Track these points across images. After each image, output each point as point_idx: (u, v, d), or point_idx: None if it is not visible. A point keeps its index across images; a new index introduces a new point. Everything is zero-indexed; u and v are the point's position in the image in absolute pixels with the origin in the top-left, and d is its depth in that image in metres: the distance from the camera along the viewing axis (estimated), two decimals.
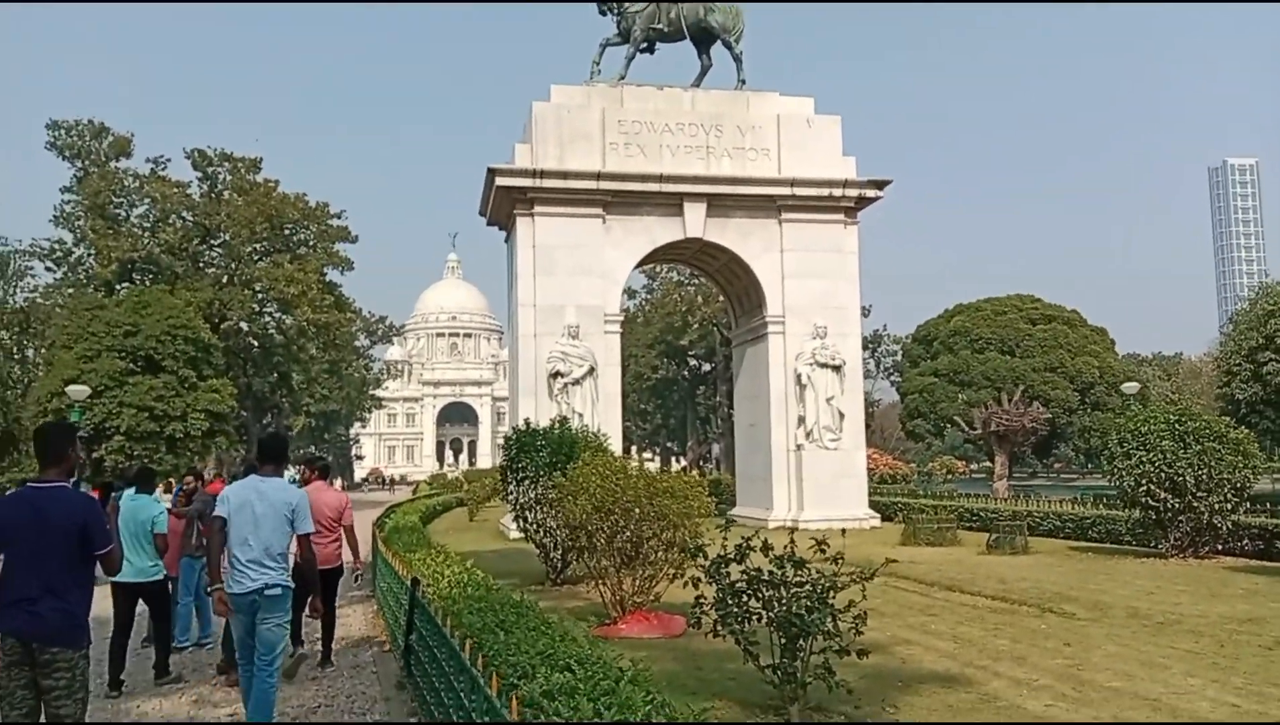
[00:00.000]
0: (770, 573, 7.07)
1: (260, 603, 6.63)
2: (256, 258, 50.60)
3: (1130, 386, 40.89)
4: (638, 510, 10.80)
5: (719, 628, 7.35)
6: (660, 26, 28.15)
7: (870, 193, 27.82)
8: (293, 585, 6.92)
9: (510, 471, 15.37)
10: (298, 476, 12.90)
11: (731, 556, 7.40)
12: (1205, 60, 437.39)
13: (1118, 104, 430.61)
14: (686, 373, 68.99)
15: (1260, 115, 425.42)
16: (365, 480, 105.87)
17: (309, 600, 7.57)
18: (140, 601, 9.37)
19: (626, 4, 27.94)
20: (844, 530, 9.26)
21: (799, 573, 7.05)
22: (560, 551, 14.26)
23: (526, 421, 16.72)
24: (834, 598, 6.98)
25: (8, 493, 5.36)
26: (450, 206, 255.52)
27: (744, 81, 28.47)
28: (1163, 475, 17.12)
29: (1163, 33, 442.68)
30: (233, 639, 7.25)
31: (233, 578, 6.67)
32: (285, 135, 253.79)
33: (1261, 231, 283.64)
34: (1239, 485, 17.36)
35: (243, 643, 6.81)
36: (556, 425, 15.84)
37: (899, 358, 70.59)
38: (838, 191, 27.37)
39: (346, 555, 9.98)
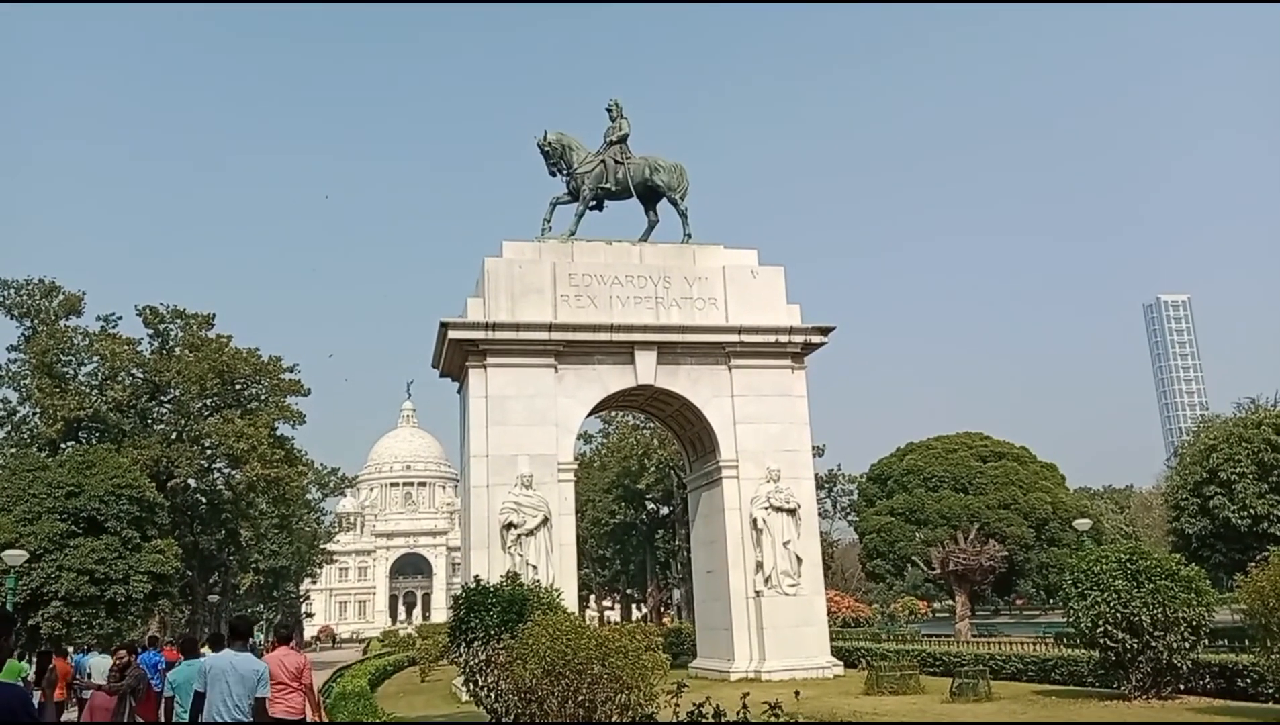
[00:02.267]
0: None
1: None
2: (206, 413, 50.01)
3: (1082, 522, 41.19)
4: (591, 672, 10.55)
5: None
6: (609, 186, 29.13)
7: (816, 338, 28.45)
8: None
9: (460, 631, 15.00)
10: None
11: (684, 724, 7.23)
12: (1137, 200, 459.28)
13: (1054, 241, 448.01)
14: (645, 516, 68.32)
15: (1190, 253, 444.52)
16: (316, 638, 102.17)
17: None
18: None
19: (576, 166, 28.94)
20: (798, 692, 9.10)
21: None
22: (512, 717, 13.77)
23: (477, 578, 16.42)
24: None
25: None
26: (404, 356, 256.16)
27: (690, 235, 29.37)
28: (1119, 615, 17.14)
29: (1096, 174, 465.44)
30: None
31: None
32: (239, 289, 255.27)
33: (1199, 365, 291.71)
34: (1195, 623, 17.39)
35: None
36: (508, 582, 15.56)
37: (855, 497, 70.67)
38: (784, 338, 27.97)
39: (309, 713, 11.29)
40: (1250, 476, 38.34)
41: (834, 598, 44.31)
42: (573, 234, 28.69)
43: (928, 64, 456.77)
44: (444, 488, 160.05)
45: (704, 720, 7.03)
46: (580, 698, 10.57)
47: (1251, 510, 37.83)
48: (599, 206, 29.61)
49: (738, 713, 7.01)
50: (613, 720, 10.51)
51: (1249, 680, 17.20)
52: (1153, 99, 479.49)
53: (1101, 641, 17.53)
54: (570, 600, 22.37)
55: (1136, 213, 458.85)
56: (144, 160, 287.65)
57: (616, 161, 29.21)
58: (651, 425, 55.29)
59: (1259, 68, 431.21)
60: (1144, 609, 17.00)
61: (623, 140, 29.66)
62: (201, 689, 9.04)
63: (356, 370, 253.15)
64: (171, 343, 50.80)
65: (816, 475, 41.38)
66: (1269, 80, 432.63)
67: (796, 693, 8.60)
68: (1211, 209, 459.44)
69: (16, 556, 31.83)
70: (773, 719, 6.89)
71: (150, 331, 50.41)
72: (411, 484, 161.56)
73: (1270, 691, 16.49)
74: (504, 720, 14.06)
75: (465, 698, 19.03)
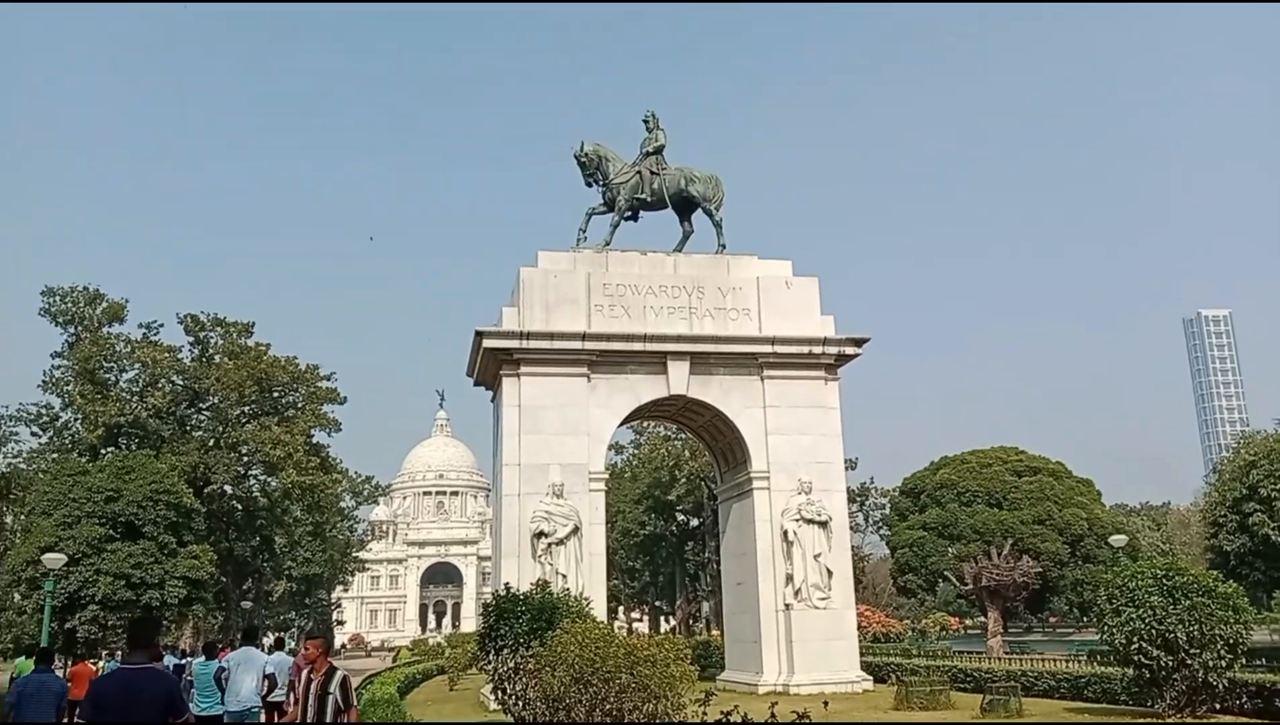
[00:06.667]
0: None
1: (247, 716, 13.39)
2: (244, 420, 50.67)
3: (1118, 539, 40.64)
4: (619, 681, 10.59)
5: None
6: (644, 196, 29.26)
7: (850, 350, 28.35)
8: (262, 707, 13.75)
9: (489, 639, 15.10)
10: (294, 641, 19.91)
11: None
12: (1176, 214, 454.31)
13: (1093, 255, 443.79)
14: (674, 528, 68.20)
15: (1231, 267, 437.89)
16: (344, 646, 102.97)
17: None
18: None
19: (612, 177, 29.11)
20: (826, 703, 9.11)
21: None
22: None
23: (507, 586, 16.53)
24: None
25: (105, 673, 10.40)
26: (439, 366, 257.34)
27: (724, 246, 29.40)
28: (1154, 632, 16.91)
29: (1134, 187, 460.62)
30: None
31: (231, 702, 13.48)
32: (278, 299, 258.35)
33: (1240, 380, 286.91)
34: (1232, 641, 17.12)
35: None
36: (537, 590, 15.65)
37: (887, 511, 70.13)
38: (817, 349, 27.90)
39: None
40: None
41: (864, 612, 44.04)
42: (608, 244, 28.82)
43: (969, 72, 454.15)
44: (475, 497, 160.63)
45: (732, 722, 7.06)
46: (608, 706, 10.61)
47: None
48: (634, 217, 29.72)
49: (766, 721, 7.04)
50: None
51: None
52: (1199, 112, 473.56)
53: (1136, 659, 17.30)
54: (599, 609, 22.40)
55: (1178, 226, 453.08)
56: (188, 171, 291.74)
57: (652, 172, 29.33)
58: (683, 436, 55.24)
59: None
60: (1180, 626, 16.77)
61: (659, 151, 29.77)
62: (228, 666, 13.92)
63: (392, 380, 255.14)
64: (211, 350, 51.59)
65: (849, 489, 41.14)
66: None
67: (825, 703, 8.61)
68: (1255, 223, 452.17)
69: (56, 559, 32.37)
70: None
71: (190, 339, 51.27)
72: (444, 493, 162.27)
73: None
74: None
75: (494, 705, 19.10)
